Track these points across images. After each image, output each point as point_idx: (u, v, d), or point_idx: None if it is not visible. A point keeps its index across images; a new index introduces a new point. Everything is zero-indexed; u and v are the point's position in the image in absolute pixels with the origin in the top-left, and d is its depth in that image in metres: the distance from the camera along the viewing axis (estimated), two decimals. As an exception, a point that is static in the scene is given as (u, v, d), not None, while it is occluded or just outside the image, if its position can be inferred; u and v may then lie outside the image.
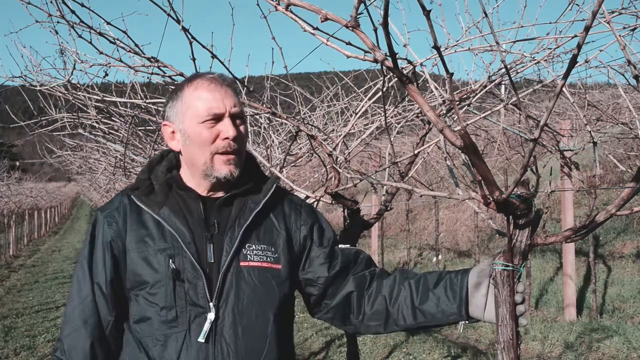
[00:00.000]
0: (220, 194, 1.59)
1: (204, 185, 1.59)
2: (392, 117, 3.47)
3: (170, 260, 1.49)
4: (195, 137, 1.54)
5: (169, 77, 2.59)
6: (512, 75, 1.34)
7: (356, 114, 3.12)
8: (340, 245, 1.70)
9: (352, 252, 1.70)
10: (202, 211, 1.56)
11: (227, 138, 1.52)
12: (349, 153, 3.25)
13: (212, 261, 1.52)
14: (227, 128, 1.52)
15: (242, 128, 1.57)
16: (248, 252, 1.54)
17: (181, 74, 2.51)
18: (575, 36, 2.53)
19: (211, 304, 1.48)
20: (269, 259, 1.56)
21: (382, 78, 2.38)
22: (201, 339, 1.46)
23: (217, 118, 1.53)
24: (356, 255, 1.69)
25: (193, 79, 1.59)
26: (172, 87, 1.74)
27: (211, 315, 1.47)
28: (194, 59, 2.31)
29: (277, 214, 1.63)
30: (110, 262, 1.56)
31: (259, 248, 1.56)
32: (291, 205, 1.68)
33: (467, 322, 1.55)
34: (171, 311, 1.48)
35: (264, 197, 1.59)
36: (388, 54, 1.15)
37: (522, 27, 2.63)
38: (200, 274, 1.49)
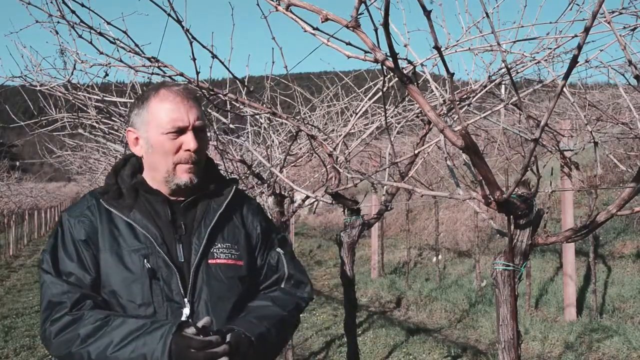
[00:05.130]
0: (181, 197, 1.69)
1: (164, 189, 1.68)
2: (392, 117, 3.47)
3: (145, 260, 1.58)
4: (159, 147, 1.64)
5: (169, 77, 2.59)
6: (512, 75, 1.34)
7: (356, 114, 3.12)
8: (284, 261, 1.79)
9: (284, 276, 1.78)
10: (169, 213, 1.66)
11: (188, 150, 1.62)
12: (349, 153, 3.25)
13: (182, 260, 1.62)
14: (189, 141, 1.62)
15: (203, 140, 1.67)
16: (214, 250, 1.65)
17: (181, 74, 2.51)
18: (576, 36, 2.53)
19: (186, 299, 1.58)
20: (233, 256, 1.68)
21: (382, 78, 2.38)
22: None
23: (181, 131, 1.62)
24: (279, 281, 1.78)
25: (159, 88, 1.67)
26: (138, 94, 1.79)
27: (187, 310, 1.57)
28: (194, 59, 2.31)
29: (236, 213, 1.76)
30: (86, 258, 1.60)
31: (224, 246, 1.67)
32: (249, 206, 1.81)
33: None
34: (149, 307, 1.56)
35: (226, 199, 1.71)
36: (389, 54, 1.15)
37: (522, 27, 2.63)
38: (174, 271, 1.59)
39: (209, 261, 1.63)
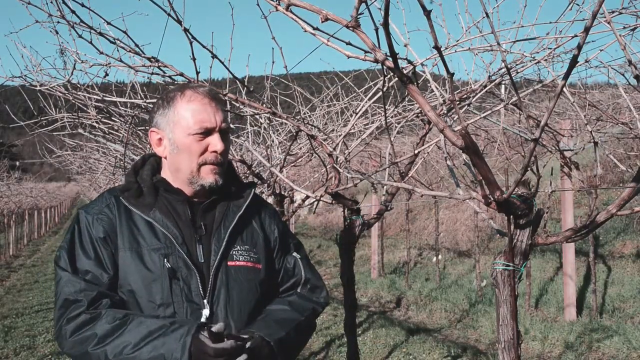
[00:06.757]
0: (201, 199, 1.68)
1: (187, 190, 1.67)
2: (392, 117, 3.47)
3: (165, 260, 1.56)
4: (185, 148, 1.63)
5: (169, 77, 2.59)
6: (512, 75, 1.34)
7: (356, 113, 3.12)
8: (301, 265, 1.80)
9: (301, 280, 1.80)
10: (189, 214, 1.64)
11: (215, 151, 1.62)
12: (349, 153, 3.25)
13: (202, 261, 1.60)
14: (216, 142, 1.62)
15: (227, 142, 1.68)
16: (234, 252, 1.64)
17: (181, 74, 2.51)
18: (576, 36, 2.53)
19: (205, 300, 1.56)
20: (252, 259, 1.67)
21: (382, 78, 2.38)
22: None
23: (208, 132, 1.62)
24: (295, 285, 1.79)
25: (185, 89, 1.66)
26: (161, 94, 1.77)
27: (206, 312, 1.55)
28: (194, 59, 2.31)
29: (255, 217, 1.76)
30: (103, 257, 1.57)
31: (243, 249, 1.66)
32: (266, 210, 1.81)
33: None
34: (169, 308, 1.54)
35: (245, 202, 1.70)
36: (389, 54, 1.15)
37: (522, 27, 2.63)
38: (194, 272, 1.56)
39: (229, 263, 1.62)
